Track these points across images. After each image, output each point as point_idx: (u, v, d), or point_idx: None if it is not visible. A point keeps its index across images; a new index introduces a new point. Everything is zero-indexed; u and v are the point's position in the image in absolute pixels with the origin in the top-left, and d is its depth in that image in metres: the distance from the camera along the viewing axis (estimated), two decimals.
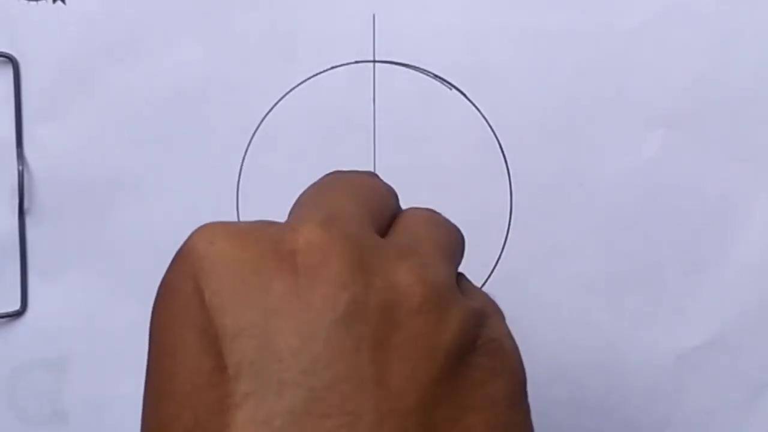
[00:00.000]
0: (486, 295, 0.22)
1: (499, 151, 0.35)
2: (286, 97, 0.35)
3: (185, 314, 0.19)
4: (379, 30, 0.35)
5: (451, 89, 0.35)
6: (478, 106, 0.35)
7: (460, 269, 0.23)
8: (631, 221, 0.35)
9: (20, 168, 0.35)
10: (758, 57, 0.35)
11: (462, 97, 0.35)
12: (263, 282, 0.19)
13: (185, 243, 0.20)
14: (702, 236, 0.36)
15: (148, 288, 0.37)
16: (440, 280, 0.20)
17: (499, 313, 0.22)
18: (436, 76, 0.35)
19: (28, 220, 0.35)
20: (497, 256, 0.35)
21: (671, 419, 0.36)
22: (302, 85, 0.35)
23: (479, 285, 0.35)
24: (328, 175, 0.24)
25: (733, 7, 0.35)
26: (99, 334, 0.36)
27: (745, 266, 0.36)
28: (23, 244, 0.35)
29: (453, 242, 0.23)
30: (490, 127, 0.35)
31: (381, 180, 0.24)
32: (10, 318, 0.35)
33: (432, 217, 0.23)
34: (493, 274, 0.35)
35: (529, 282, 0.36)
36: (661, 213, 0.35)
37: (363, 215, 0.21)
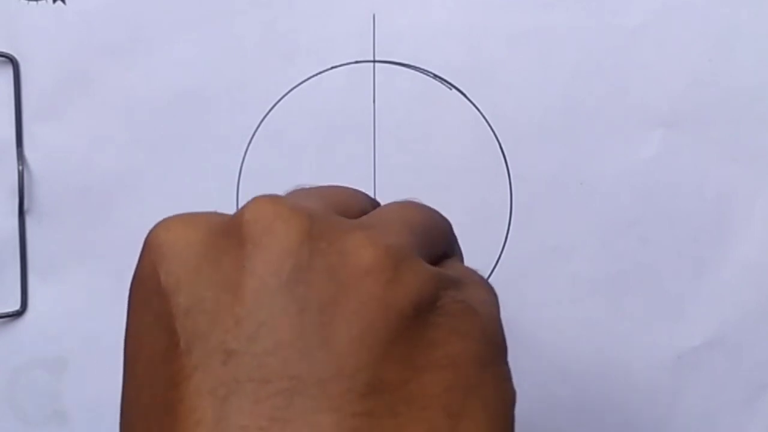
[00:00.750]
0: (477, 274, 0.21)
1: (499, 151, 0.35)
2: (286, 97, 0.35)
3: (146, 300, 0.20)
4: (379, 30, 0.35)
5: (451, 89, 0.35)
6: (478, 106, 0.35)
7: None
8: (631, 221, 0.35)
9: (20, 168, 0.35)
10: (758, 57, 0.35)
11: (462, 97, 0.35)
12: (214, 258, 0.19)
13: (148, 234, 0.21)
14: (702, 236, 0.36)
15: None
16: (395, 245, 0.19)
17: (484, 288, 0.21)
18: (436, 76, 0.35)
19: (28, 220, 0.35)
20: (497, 256, 0.35)
21: (671, 419, 0.36)
22: (302, 85, 0.35)
23: None
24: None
25: (733, 7, 0.35)
26: (99, 334, 0.36)
27: (745, 266, 0.36)
28: (23, 244, 0.35)
29: (428, 223, 0.22)
30: (490, 127, 0.35)
31: (353, 188, 0.24)
32: (10, 318, 0.35)
33: (410, 203, 0.23)
34: (493, 274, 0.35)
35: (529, 282, 0.36)
36: (661, 213, 0.35)
37: (318, 198, 0.21)
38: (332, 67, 0.35)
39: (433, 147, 0.35)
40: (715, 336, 0.36)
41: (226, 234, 0.19)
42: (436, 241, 0.22)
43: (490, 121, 0.35)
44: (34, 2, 0.35)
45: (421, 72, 0.35)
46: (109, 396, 0.36)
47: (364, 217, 0.21)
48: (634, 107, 0.35)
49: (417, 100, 0.35)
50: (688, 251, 0.36)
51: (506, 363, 0.21)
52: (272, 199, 0.19)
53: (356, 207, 0.22)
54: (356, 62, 0.35)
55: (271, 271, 0.18)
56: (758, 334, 0.36)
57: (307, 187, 0.24)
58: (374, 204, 0.24)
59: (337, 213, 0.21)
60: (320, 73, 0.35)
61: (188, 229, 0.20)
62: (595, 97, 0.35)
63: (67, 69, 0.35)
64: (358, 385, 0.18)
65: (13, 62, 0.35)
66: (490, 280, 0.35)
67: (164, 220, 0.21)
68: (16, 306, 0.36)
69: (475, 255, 0.36)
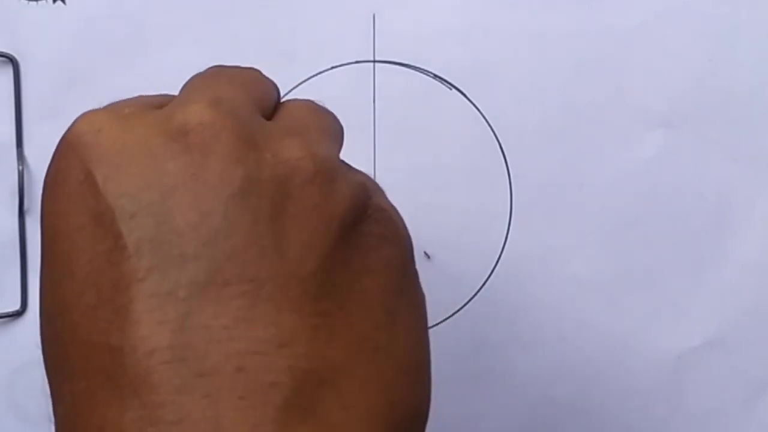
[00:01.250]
0: (366, 175, 0.22)
1: (499, 151, 0.35)
2: (286, 97, 0.35)
3: (78, 201, 0.20)
4: (379, 30, 0.35)
5: (451, 89, 0.35)
6: (478, 106, 0.35)
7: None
8: (631, 221, 0.35)
9: (20, 168, 0.35)
10: (758, 57, 0.35)
11: (462, 97, 0.35)
12: (157, 163, 0.19)
13: (69, 133, 0.21)
14: (702, 236, 0.36)
15: None
16: (327, 155, 0.20)
17: (381, 190, 0.23)
18: (436, 76, 0.35)
19: (29, 220, 0.35)
20: (497, 256, 0.35)
21: (671, 419, 0.36)
22: (302, 85, 0.35)
23: (479, 285, 0.35)
24: (211, 67, 0.25)
25: (732, 7, 0.35)
26: None
27: (745, 266, 0.36)
28: (23, 244, 0.35)
29: (334, 127, 0.24)
30: (490, 127, 0.35)
31: (263, 73, 0.25)
32: (10, 318, 0.35)
33: (312, 105, 0.24)
34: (493, 274, 0.35)
35: (529, 282, 0.36)
36: (661, 213, 0.35)
37: (248, 100, 0.22)
38: (332, 67, 0.35)
39: (433, 147, 0.35)
40: (715, 336, 0.36)
41: (169, 138, 0.19)
42: (341, 144, 0.24)
43: (490, 121, 0.35)
44: (34, 2, 0.35)
45: (421, 72, 0.35)
46: None
47: (287, 122, 0.22)
48: (634, 107, 0.35)
49: (417, 100, 0.35)
50: (688, 251, 0.36)
51: (414, 264, 0.22)
52: (211, 104, 0.20)
53: (270, 100, 0.23)
54: (356, 62, 0.35)
55: (224, 180, 0.19)
56: (758, 334, 0.36)
57: (222, 68, 0.24)
58: (278, 91, 0.25)
59: (258, 106, 0.22)
60: (320, 73, 0.35)
61: (124, 131, 0.20)
62: (595, 97, 0.35)
63: (67, 69, 0.35)
64: (312, 288, 0.19)
65: (13, 62, 0.35)
66: (490, 280, 0.36)
67: (89, 117, 0.21)
68: (16, 306, 0.36)
69: (475, 255, 0.36)
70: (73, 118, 0.37)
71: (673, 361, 0.36)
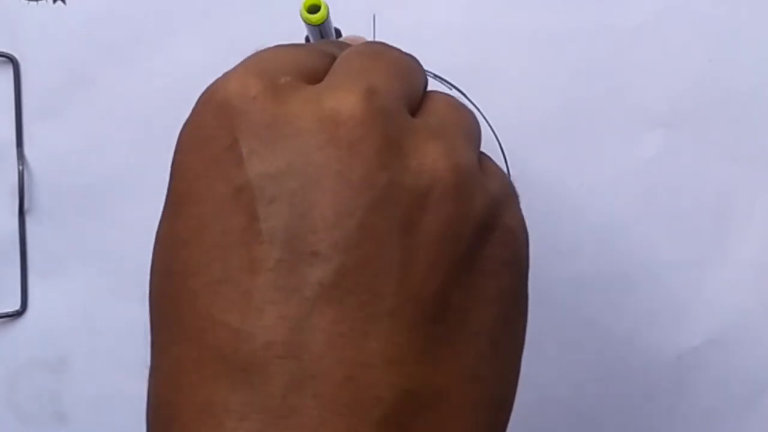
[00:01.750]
0: (504, 176, 0.22)
1: (499, 151, 0.35)
2: None
3: (220, 167, 0.19)
4: (379, 30, 0.35)
5: (451, 89, 0.35)
6: (478, 106, 0.35)
7: None
8: (631, 221, 0.35)
9: (20, 168, 0.35)
10: (758, 57, 0.35)
11: (462, 97, 0.35)
12: (304, 149, 0.19)
13: (220, 88, 0.20)
14: (702, 236, 0.36)
15: (148, 288, 0.37)
16: (468, 165, 0.20)
17: (516, 197, 0.22)
18: (436, 76, 0.35)
19: (29, 220, 0.35)
20: None
21: (671, 419, 0.36)
22: None
23: None
24: (375, 43, 0.24)
25: (732, 7, 0.35)
26: (99, 334, 0.36)
27: (745, 266, 0.36)
28: (23, 244, 0.35)
29: (474, 126, 0.23)
30: (490, 127, 0.35)
31: (419, 63, 0.24)
32: (10, 318, 0.35)
33: (454, 102, 0.23)
34: None
35: (529, 282, 0.36)
36: (661, 213, 0.35)
37: (401, 94, 0.21)
38: None
39: None
40: (715, 336, 0.36)
41: (320, 125, 0.19)
42: (479, 143, 0.23)
43: (490, 121, 0.35)
44: (35, 2, 0.35)
45: None
46: (109, 396, 0.36)
47: (432, 120, 0.21)
48: (634, 107, 0.35)
49: None
50: (688, 251, 0.36)
51: (527, 284, 0.22)
52: (366, 97, 0.19)
53: (419, 92, 0.23)
54: None
55: (366, 184, 0.19)
56: (758, 334, 0.36)
57: (384, 49, 0.23)
58: (426, 82, 0.24)
59: (408, 100, 0.21)
60: None
61: (276, 104, 0.19)
62: (595, 97, 0.35)
63: (67, 69, 0.35)
64: (429, 310, 0.19)
65: (14, 62, 0.35)
66: None
67: (242, 78, 0.20)
68: (16, 306, 0.35)
69: None
70: (73, 117, 0.37)
71: (674, 361, 0.36)
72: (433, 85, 0.35)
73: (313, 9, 0.27)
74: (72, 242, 0.35)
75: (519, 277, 0.21)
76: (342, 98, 0.19)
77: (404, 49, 0.34)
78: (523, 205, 0.21)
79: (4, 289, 0.35)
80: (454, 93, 0.35)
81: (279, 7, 0.35)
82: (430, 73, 0.35)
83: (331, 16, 0.35)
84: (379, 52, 0.22)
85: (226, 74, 0.20)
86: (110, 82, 0.35)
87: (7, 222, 0.35)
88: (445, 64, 0.35)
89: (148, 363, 0.20)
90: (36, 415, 0.36)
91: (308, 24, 0.27)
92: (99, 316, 0.36)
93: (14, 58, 0.35)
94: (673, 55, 0.35)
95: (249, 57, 0.22)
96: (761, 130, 0.35)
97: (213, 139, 0.20)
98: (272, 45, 0.22)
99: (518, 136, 0.35)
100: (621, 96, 0.35)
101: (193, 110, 0.21)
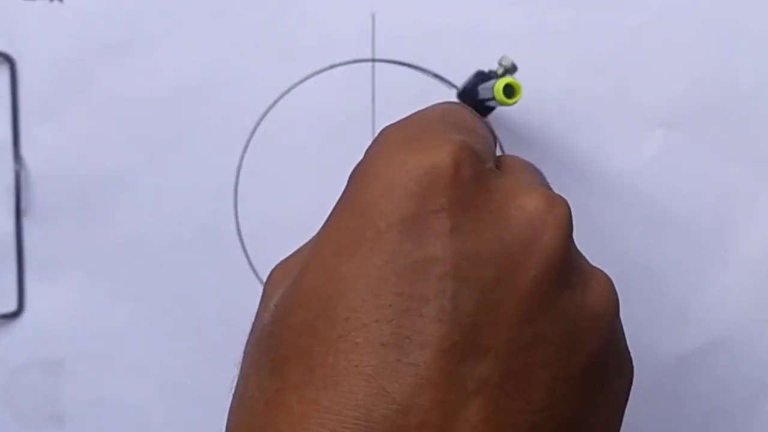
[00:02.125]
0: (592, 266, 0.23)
1: (500, 150, 0.35)
2: (285, 96, 0.35)
3: (418, 226, 0.19)
4: (378, 29, 0.35)
5: (450, 89, 0.35)
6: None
7: None
8: (632, 221, 0.35)
9: (17, 168, 0.35)
10: (758, 57, 0.35)
11: None
12: (508, 243, 0.19)
13: (434, 152, 0.20)
14: (702, 237, 0.35)
15: (146, 288, 0.37)
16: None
17: (605, 279, 0.23)
18: (436, 76, 0.35)
19: (25, 221, 0.35)
20: None
21: (672, 420, 0.36)
22: (301, 85, 0.35)
23: None
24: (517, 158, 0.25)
25: (733, 7, 0.35)
26: (96, 335, 0.36)
27: (746, 267, 0.36)
28: (20, 245, 0.35)
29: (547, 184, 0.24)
30: (490, 127, 0.35)
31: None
32: (7, 319, 0.35)
33: (527, 163, 0.24)
34: None
35: None
36: (661, 213, 0.35)
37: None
38: (331, 66, 0.35)
39: None
40: (717, 337, 0.36)
41: (525, 224, 0.19)
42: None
43: (489, 121, 0.35)
44: (32, 1, 0.34)
45: (421, 72, 0.35)
46: (107, 397, 0.36)
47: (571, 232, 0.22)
48: (634, 107, 0.35)
49: (417, 99, 0.35)
50: (688, 251, 0.35)
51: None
52: (548, 202, 0.20)
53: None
54: (355, 61, 0.35)
55: (553, 295, 0.19)
56: (760, 335, 0.36)
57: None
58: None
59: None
60: (319, 72, 0.35)
61: (483, 192, 0.20)
62: (596, 97, 0.35)
63: (64, 68, 0.35)
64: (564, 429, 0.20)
65: (10, 62, 0.35)
66: None
67: (455, 152, 0.20)
68: (12, 307, 0.35)
69: None
70: (71, 118, 0.37)
71: (675, 363, 0.36)
72: (432, 84, 0.35)
73: (511, 92, 0.26)
74: (69, 243, 0.35)
75: (626, 383, 0.24)
76: (538, 204, 0.20)
77: (404, 49, 0.34)
78: None
79: (0, 290, 0.35)
80: (453, 93, 0.35)
81: (278, 6, 0.35)
82: (430, 73, 0.35)
83: (331, 16, 0.36)
84: (531, 165, 0.24)
85: (435, 142, 0.20)
86: (108, 81, 0.35)
87: (4, 223, 0.35)
88: (445, 63, 0.35)
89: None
90: (33, 416, 0.36)
91: (499, 102, 0.27)
92: (96, 317, 0.35)
93: (11, 57, 0.35)
94: (673, 55, 0.35)
95: (448, 120, 0.23)
96: (762, 130, 0.35)
97: (420, 198, 0.19)
98: (457, 104, 0.24)
99: (518, 136, 0.35)
100: (621, 96, 0.35)
101: (396, 151, 0.20)
